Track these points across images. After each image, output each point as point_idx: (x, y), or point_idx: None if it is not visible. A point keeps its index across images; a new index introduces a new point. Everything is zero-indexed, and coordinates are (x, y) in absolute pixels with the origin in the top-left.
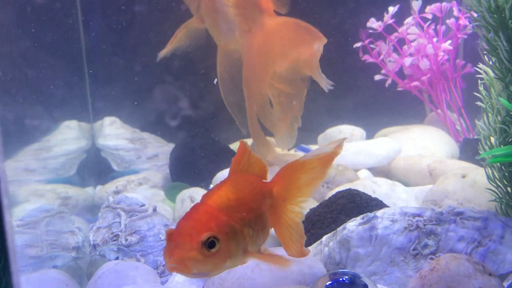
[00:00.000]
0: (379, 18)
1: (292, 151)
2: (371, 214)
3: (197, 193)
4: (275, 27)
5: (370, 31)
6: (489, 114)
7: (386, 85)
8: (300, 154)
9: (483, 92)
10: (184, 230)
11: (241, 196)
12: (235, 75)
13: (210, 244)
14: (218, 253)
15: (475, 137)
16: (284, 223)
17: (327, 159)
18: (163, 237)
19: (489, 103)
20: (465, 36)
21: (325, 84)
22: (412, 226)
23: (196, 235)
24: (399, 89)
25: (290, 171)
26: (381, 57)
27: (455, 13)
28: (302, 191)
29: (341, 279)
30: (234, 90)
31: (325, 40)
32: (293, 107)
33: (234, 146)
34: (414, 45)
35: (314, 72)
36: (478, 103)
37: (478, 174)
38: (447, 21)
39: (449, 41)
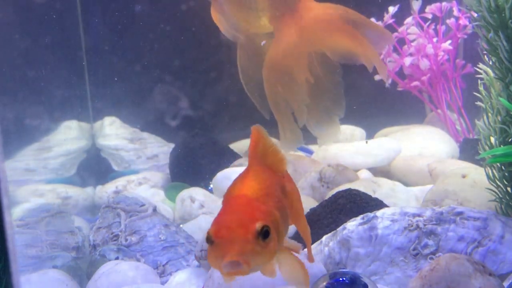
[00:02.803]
0: (379, 18)
1: (292, 151)
2: (371, 214)
3: (197, 193)
4: (323, 17)
5: None
6: (489, 114)
7: (386, 85)
8: (301, 154)
9: (483, 92)
10: (233, 223)
11: (266, 187)
12: (256, 61)
13: (265, 233)
14: (271, 243)
15: (475, 137)
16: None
17: None
18: (163, 237)
19: (489, 103)
20: (465, 36)
21: (386, 75)
22: (412, 226)
23: (249, 226)
24: (399, 89)
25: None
26: (381, 57)
27: (455, 13)
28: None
29: (341, 279)
30: (255, 76)
31: (393, 41)
32: (327, 97)
33: (234, 146)
34: (414, 45)
35: (377, 66)
36: (478, 103)
37: (478, 174)
38: (447, 21)
39: (449, 41)
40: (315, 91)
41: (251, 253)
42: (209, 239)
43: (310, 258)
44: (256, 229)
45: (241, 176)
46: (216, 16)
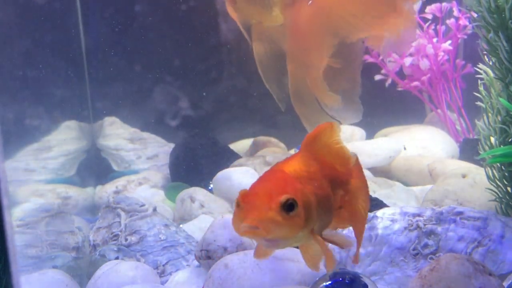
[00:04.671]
0: None
1: (292, 151)
2: (371, 214)
3: (197, 193)
4: None
5: None
6: (489, 114)
7: (386, 85)
8: None
9: (483, 92)
10: (261, 191)
11: (310, 171)
12: (272, 52)
13: (289, 206)
14: (295, 218)
15: (475, 137)
16: (358, 221)
17: None
18: (163, 237)
19: (489, 103)
20: (465, 36)
21: (414, 32)
22: (412, 226)
23: (275, 196)
24: (399, 89)
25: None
26: (381, 57)
27: (455, 13)
28: None
29: (341, 279)
30: (272, 66)
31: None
32: (344, 78)
33: (234, 146)
34: (414, 45)
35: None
36: (478, 103)
37: (478, 174)
38: (447, 21)
39: (449, 41)
40: (331, 74)
41: (271, 221)
42: (237, 203)
43: (356, 259)
44: (281, 200)
45: (288, 157)
46: (231, 11)
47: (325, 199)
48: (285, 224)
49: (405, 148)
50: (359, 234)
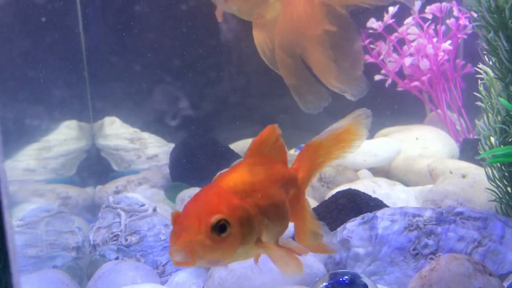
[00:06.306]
0: (379, 18)
1: (292, 151)
2: (371, 214)
3: None
4: None
5: (370, 31)
6: (489, 114)
7: (386, 85)
8: None
9: (483, 92)
10: (191, 212)
11: (258, 181)
12: (272, 37)
13: (220, 228)
14: (228, 239)
15: (475, 137)
16: (306, 214)
17: (354, 128)
18: (163, 237)
19: (489, 103)
20: (465, 36)
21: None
22: (412, 226)
23: (204, 217)
24: (399, 89)
25: (312, 153)
26: (381, 57)
27: (455, 13)
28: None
29: (341, 279)
30: (272, 51)
31: None
32: (343, 55)
33: (234, 146)
34: (414, 45)
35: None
36: (478, 103)
37: (478, 174)
38: (447, 21)
39: (449, 41)
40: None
41: (199, 244)
42: (171, 222)
43: (302, 250)
44: (211, 222)
45: (233, 167)
46: (230, 4)
47: (275, 206)
48: (216, 247)
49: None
50: (305, 230)
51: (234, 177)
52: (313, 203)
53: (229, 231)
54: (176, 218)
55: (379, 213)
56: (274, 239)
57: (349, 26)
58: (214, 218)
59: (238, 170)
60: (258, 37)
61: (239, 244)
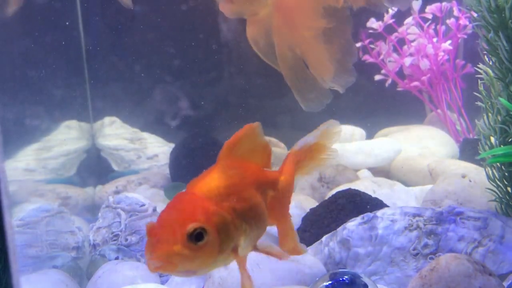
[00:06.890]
0: (379, 18)
1: None
2: (371, 214)
3: None
4: None
5: (370, 31)
6: (489, 114)
7: (386, 85)
8: None
9: (483, 92)
10: (166, 222)
11: (232, 184)
12: (268, 31)
13: (197, 236)
14: (206, 247)
15: (475, 137)
16: (287, 218)
17: (322, 144)
18: None
19: (489, 103)
20: (465, 36)
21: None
22: (412, 226)
23: (180, 227)
24: (399, 89)
25: (295, 158)
26: (381, 57)
27: (455, 13)
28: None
29: (341, 279)
30: (267, 46)
31: None
32: (336, 47)
33: None
34: (414, 45)
35: None
36: (478, 103)
37: (478, 174)
38: (447, 21)
39: (449, 41)
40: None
41: (177, 255)
42: (146, 234)
43: (281, 255)
44: (187, 231)
45: (205, 171)
46: (223, 4)
47: (252, 209)
48: (194, 256)
49: (464, 177)
50: (288, 231)
51: (207, 182)
52: (313, 203)
53: (206, 239)
54: (151, 230)
55: (379, 213)
56: (252, 243)
57: (342, 17)
58: (190, 227)
59: (211, 174)
60: (251, 32)
61: (217, 251)
